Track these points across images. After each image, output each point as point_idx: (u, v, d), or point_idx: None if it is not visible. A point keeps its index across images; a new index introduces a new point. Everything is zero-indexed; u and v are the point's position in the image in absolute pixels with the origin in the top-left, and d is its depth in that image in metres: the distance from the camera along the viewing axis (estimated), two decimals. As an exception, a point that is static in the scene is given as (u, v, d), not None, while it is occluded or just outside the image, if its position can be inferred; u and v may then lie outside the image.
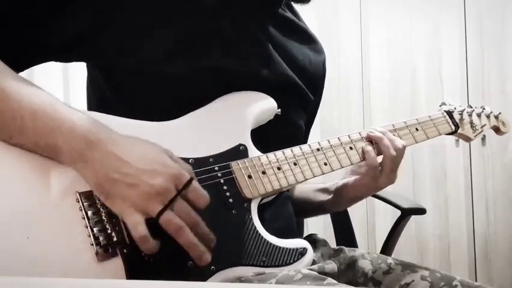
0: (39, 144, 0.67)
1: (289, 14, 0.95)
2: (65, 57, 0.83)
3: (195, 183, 0.68)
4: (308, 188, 1.03)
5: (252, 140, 0.80)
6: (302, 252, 0.75)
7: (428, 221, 2.52)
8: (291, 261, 0.74)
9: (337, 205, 0.99)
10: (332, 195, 0.97)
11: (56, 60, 0.83)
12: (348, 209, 1.44)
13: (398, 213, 1.38)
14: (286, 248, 0.75)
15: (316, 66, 0.98)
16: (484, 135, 2.51)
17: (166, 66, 0.78)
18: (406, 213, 1.37)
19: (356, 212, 2.48)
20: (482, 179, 2.54)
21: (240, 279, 0.70)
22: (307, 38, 0.98)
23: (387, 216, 2.37)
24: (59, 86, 2.29)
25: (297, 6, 0.94)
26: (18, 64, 0.79)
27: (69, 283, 0.54)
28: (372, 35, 2.59)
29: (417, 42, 2.59)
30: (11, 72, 0.72)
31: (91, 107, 0.91)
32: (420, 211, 1.36)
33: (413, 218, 1.43)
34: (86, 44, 0.79)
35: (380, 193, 1.44)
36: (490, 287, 0.77)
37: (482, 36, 2.56)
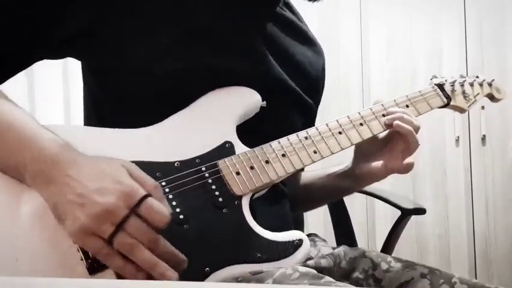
0: (9, 163, 0.66)
1: (288, 14, 0.95)
2: (60, 55, 0.83)
3: (151, 200, 0.63)
4: (321, 175, 1.03)
5: (246, 143, 0.80)
6: (298, 243, 0.74)
7: (428, 221, 2.52)
8: (288, 254, 0.73)
9: (357, 188, 1.02)
10: (351, 180, 0.98)
11: (49, 58, 0.83)
12: (348, 209, 1.44)
13: (398, 213, 1.38)
14: (281, 242, 0.73)
15: (316, 68, 0.97)
16: (484, 135, 2.51)
17: (161, 65, 0.78)
18: (406, 213, 1.37)
19: (356, 212, 2.48)
20: (482, 179, 2.53)
21: (237, 279, 0.70)
22: (307, 40, 0.97)
23: (387, 216, 2.37)
24: (59, 85, 2.29)
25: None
26: (14, 65, 0.79)
27: (69, 283, 0.54)
28: (372, 35, 2.59)
29: (417, 42, 2.59)
30: None
31: (89, 116, 0.91)
32: (421, 211, 1.36)
33: (413, 218, 1.43)
34: (82, 44, 0.79)
35: (380, 193, 1.45)
36: (488, 284, 0.77)
37: (482, 36, 2.56)
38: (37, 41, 0.78)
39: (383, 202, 1.42)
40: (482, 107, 2.44)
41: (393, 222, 1.39)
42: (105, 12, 0.77)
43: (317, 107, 1.03)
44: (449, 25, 2.58)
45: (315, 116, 1.03)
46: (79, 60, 0.85)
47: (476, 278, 2.50)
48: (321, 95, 1.03)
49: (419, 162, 2.55)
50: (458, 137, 2.53)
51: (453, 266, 2.51)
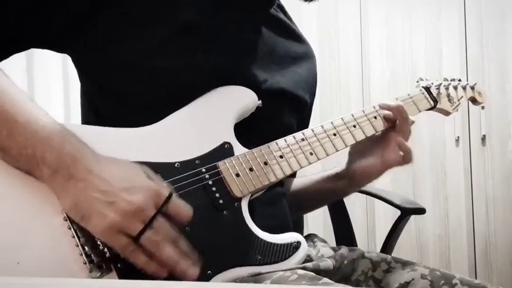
0: (26, 153, 0.66)
1: (282, 15, 0.95)
2: (57, 46, 0.82)
3: (175, 198, 0.66)
4: (314, 179, 1.02)
5: (243, 144, 0.80)
6: (296, 245, 0.75)
7: (428, 220, 2.51)
8: (287, 256, 0.74)
9: (353, 189, 1.00)
10: (346, 180, 0.97)
11: (43, 48, 0.83)
12: (348, 209, 1.44)
13: (398, 213, 1.38)
14: (280, 244, 0.74)
15: (308, 68, 0.98)
16: (484, 135, 2.51)
17: (156, 60, 0.78)
18: (406, 213, 1.37)
19: (356, 212, 2.48)
20: (482, 179, 2.53)
21: (235, 281, 0.70)
22: (299, 41, 0.98)
23: (387, 216, 2.37)
24: (59, 84, 2.29)
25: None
26: (9, 50, 0.79)
27: (69, 283, 0.54)
28: (372, 35, 2.59)
29: (417, 42, 2.59)
30: (5, 77, 0.72)
31: (86, 114, 0.90)
32: (420, 211, 1.36)
33: (413, 218, 1.44)
34: (80, 33, 0.78)
35: (380, 193, 1.45)
36: (489, 284, 0.77)
37: (482, 36, 2.56)
38: (33, 30, 0.78)
39: (383, 202, 1.43)
40: (482, 107, 2.44)
41: (393, 222, 1.39)
42: (101, 2, 0.77)
43: (311, 109, 1.03)
44: (449, 25, 2.58)
45: (310, 113, 1.03)
46: (76, 55, 0.84)
47: (476, 278, 2.50)
48: (314, 95, 1.04)
49: (419, 162, 2.55)
50: (458, 137, 2.53)
51: (453, 266, 2.51)
